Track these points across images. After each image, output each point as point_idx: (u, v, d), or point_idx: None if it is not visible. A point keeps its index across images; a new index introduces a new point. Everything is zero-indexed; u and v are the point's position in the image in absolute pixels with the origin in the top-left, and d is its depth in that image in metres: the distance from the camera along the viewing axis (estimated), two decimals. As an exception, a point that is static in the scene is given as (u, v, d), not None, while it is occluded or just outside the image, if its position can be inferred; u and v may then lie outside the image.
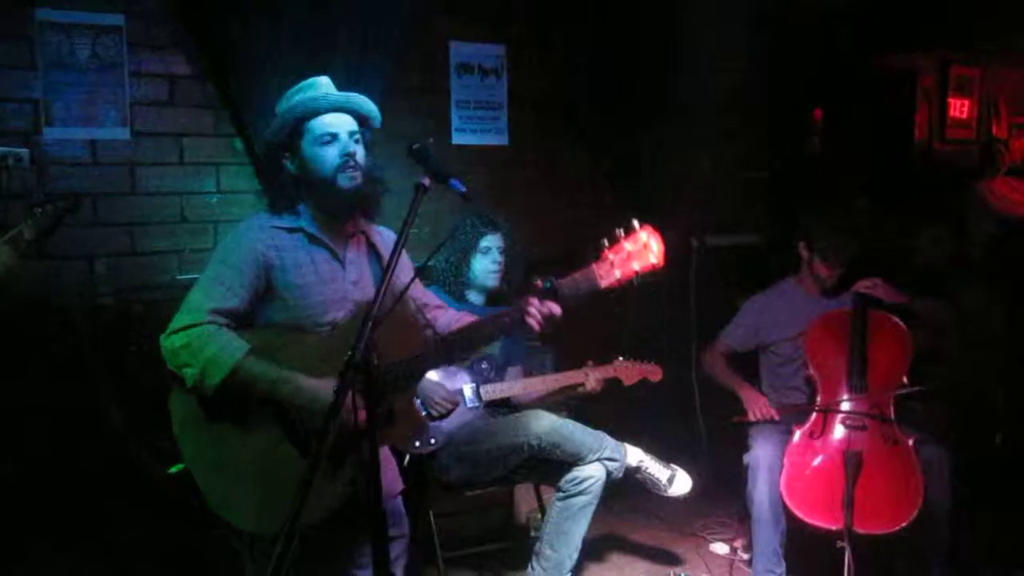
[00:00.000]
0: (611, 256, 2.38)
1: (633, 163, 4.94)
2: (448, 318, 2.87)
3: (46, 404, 3.47)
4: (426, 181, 2.17)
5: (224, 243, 2.55)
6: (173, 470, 2.46)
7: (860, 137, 5.72)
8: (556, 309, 2.41)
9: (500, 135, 4.70)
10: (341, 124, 2.49)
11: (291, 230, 2.52)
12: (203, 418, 2.44)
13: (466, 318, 2.81)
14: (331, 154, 2.46)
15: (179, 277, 3.86)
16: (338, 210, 2.53)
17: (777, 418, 3.69)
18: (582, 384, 3.65)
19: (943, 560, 3.53)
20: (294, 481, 1.84)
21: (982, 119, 7.22)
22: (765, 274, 4.21)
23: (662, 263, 2.37)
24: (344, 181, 2.45)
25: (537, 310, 2.41)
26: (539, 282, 2.42)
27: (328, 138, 2.47)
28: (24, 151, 3.49)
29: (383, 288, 1.95)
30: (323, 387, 2.36)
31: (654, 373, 3.74)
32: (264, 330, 2.48)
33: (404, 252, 2.53)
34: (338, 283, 2.56)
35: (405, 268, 2.74)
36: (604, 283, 2.39)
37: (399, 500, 2.82)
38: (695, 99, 4.87)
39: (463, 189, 2.18)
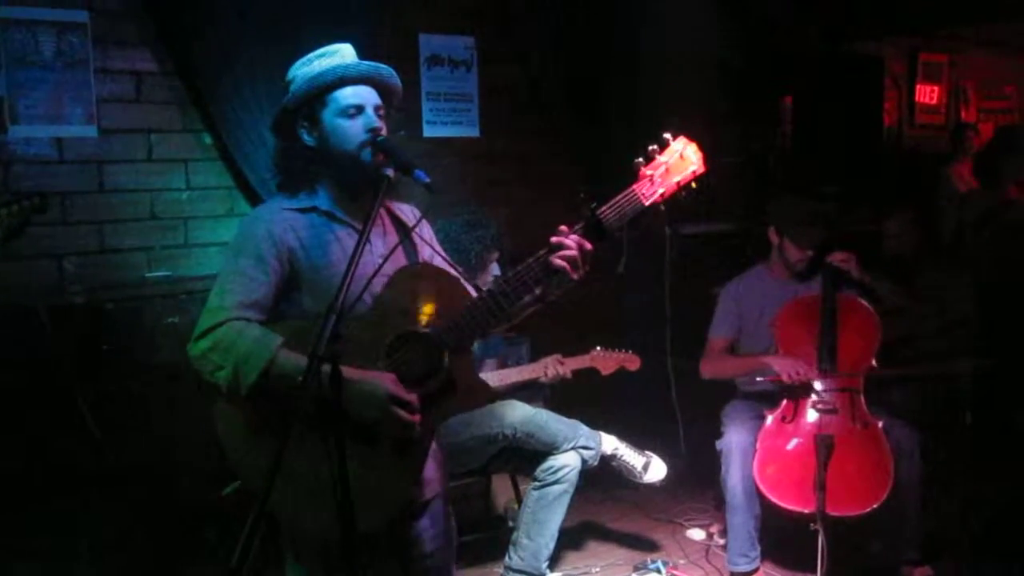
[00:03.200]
0: (649, 172, 2.24)
1: (605, 153, 4.95)
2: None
3: (17, 407, 3.44)
4: (390, 172, 2.14)
5: (236, 235, 2.31)
6: (228, 491, 2.26)
7: (830, 124, 5.75)
8: (586, 244, 2.19)
9: (471, 127, 4.70)
10: (367, 97, 2.31)
11: (305, 210, 2.31)
12: (252, 429, 2.21)
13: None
14: (356, 127, 2.27)
15: (149, 275, 3.84)
16: (360, 186, 2.31)
17: (815, 378, 3.52)
18: (541, 376, 3.64)
19: (916, 540, 3.58)
20: (362, 484, 1.78)
21: (951, 105, 7.30)
22: (740, 261, 4.24)
23: (703, 169, 2.27)
24: (367, 156, 2.25)
25: (569, 251, 2.17)
26: (564, 228, 2.21)
27: (353, 110, 2.27)
28: (-11, 149, 3.46)
29: (347, 278, 1.88)
30: (368, 378, 2.15)
31: (632, 362, 3.75)
32: (294, 320, 2.23)
33: (428, 228, 2.46)
34: (366, 257, 2.23)
35: (425, 247, 2.48)
36: (648, 201, 2.23)
37: (440, 502, 2.48)
38: (666, 89, 4.88)
39: (427, 180, 2.15)
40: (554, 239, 2.21)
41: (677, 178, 2.24)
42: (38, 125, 3.56)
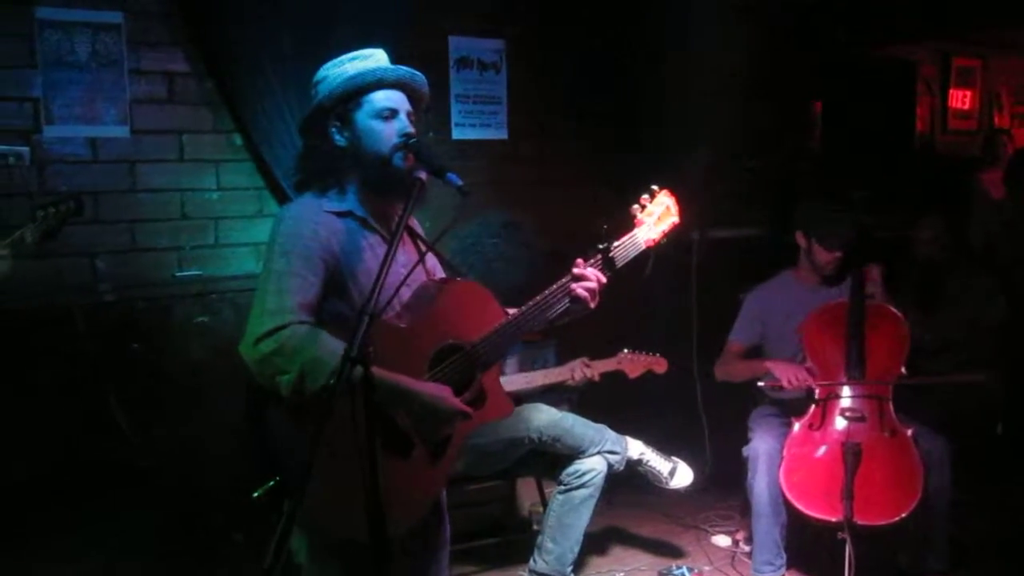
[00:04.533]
0: (646, 219, 2.54)
1: (632, 157, 4.94)
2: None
3: (54, 403, 3.49)
4: (423, 175, 2.16)
5: (280, 232, 2.26)
6: (259, 492, 2.25)
7: (861, 129, 5.70)
8: (600, 277, 2.43)
9: (499, 129, 4.71)
10: (401, 102, 2.33)
11: (341, 214, 2.32)
12: (301, 431, 2.16)
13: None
14: (389, 131, 2.28)
15: (179, 274, 3.88)
16: (390, 191, 2.32)
17: (814, 386, 3.54)
18: (568, 379, 3.66)
19: (944, 550, 3.54)
20: (395, 486, 1.80)
21: (984, 110, 7.21)
22: (767, 266, 4.21)
23: (680, 221, 2.61)
24: (399, 160, 2.27)
25: (588, 284, 2.40)
26: (580, 260, 2.44)
27: (388, 113, 2.29)
28: (24, 150, 3.51)
29: (380, 280, 1.90)
30: (429, 390, 2.23)
31: (659, 365, 3.74)
32: (339, 325, 2.21)
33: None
34: (392, 267, 2.18)
35: (433, 260, 2.57)
36: (645, 245, 2.54)
37: (443, 496, 2.54)
38: (694, 93, 4.86)
39: (460, 183, 2.16)
40: (576, 270, 2.41)
41: (663, 227, 2.57)
42: (73, 125, 3.61)
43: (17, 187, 3.47)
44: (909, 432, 3.41)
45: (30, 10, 3.50)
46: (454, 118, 4.55)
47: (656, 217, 2.56)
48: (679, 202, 2.63)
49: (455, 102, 4.54)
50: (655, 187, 2.59)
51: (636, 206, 2.54)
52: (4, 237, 2.82)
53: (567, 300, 2.41)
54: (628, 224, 2.55)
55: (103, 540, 3.47)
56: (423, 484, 2.29)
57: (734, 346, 3.97)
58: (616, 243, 2.49)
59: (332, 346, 2.11)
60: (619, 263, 2.48)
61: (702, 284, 4.88)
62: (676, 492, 3.72)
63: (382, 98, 2.29)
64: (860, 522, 3.23)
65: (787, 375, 3.57)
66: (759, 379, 3.71)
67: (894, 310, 3.58)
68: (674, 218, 2.60)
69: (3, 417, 3.40)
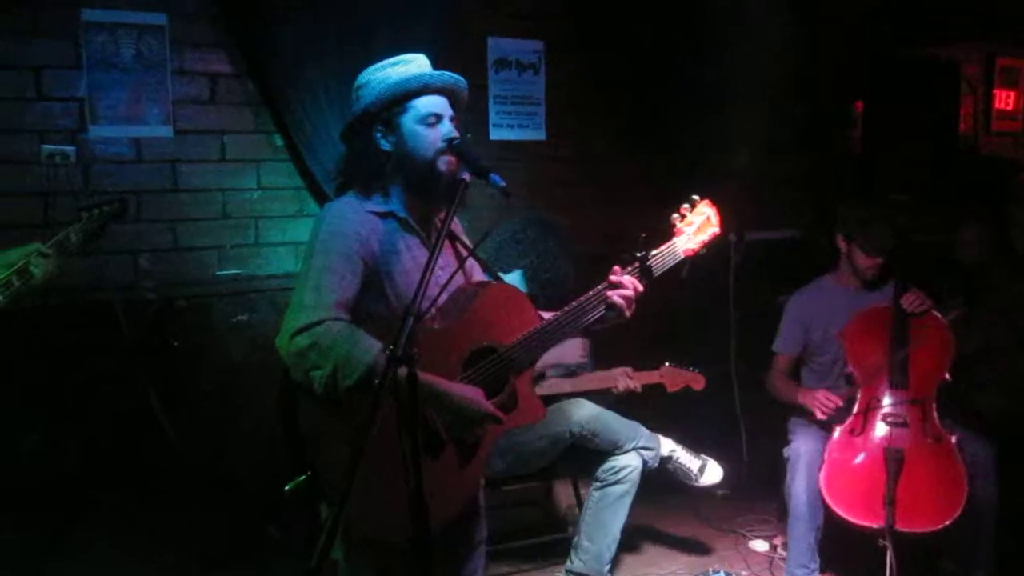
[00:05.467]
0: (686, 229, 2.56)
1: (671, 158, 4.91)
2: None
3: (96, 399, 3.54)
4: (466, 176, 2.17)
5: (322, 230, 2.29)
6: (290, 487, 2.28)
7: (902, 130, 5.62)
8: (637, 285, 2.43)
9: (537, 130, 4.70)
10: (444, 107, 2.35)
11: (383, 215, 2.34)
12: (339, 428, 2.21)
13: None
14: (433, 136, 2.31)
15: (220, 273, 3.91)
16: (433, 194, 2.35)
17: (841, 404, 3.54)
18: (612, 387, 3.65)
19: (989, 560, 3.48)
20: (427, 486, 1.83)
21: (1030, 111, 7.08)
22: (805, 269, 4.16)
23: (720, 231, 2.61)
24: (443, 165, 2.31)
25: (624, 292, 2.40)
26: (618, 268, 2.45)
27: (433, 119, 2.32)
28: (71, 149, 3.56)
29: (425, 281, 1.91)
30: (461, 392, 2.25)
31: (697, 382, 3.72)
32: (373, 323, 2.25)
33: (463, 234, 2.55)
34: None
35: (475, 264, 2.59)
36: (684, 254, 2.56)
37: (481, 496, 2.57)
38: (735, 94, 4.82)
39: (503, 184, 2.16)
40: (613, 278, 2.43)
41: (703, 237, 2.58)
42: (117, 126, 3.66)
43: (63, 186, 3.52)
44: (953, 438, 3.36)
45: (76, 12, 3.55)
46: (492, 119, 4.55)
47: (696, 227, 2.57)
48: (720, 212, 2.63)
49: (493, 103, 4.55)
50: (696, 197, 2.60)
51: (676, 215, 2.56)
52: (50, 236, 2.86)
53: (603, 307, 2.42)
54: (667, 233, 2.56)
55: (140, 533, 3.52)
56: (455, 483, 2.32)
57: (780, 360, 3.93)
58: (654, 252, 2.51)
59: (366, 344, 2.13)
60: (656, 272, 2.49)
61: (740, 286, 4.84)
62: (713, 495, 3.70)
63: (427, 104, 2.32)
64: (902, 529, 3.19)
65: (817, 407, 3.57)
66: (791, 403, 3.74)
67: (938, 315, 3.52)
68: (715, 228, 2.60)
69: (47, 412, 3.46)
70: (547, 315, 2.44)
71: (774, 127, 5.27)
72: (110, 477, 3.51)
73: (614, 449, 3.43)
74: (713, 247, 2.62)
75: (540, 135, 4.72)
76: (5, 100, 3.48)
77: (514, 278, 3.45)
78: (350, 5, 3.78)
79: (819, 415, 3.56)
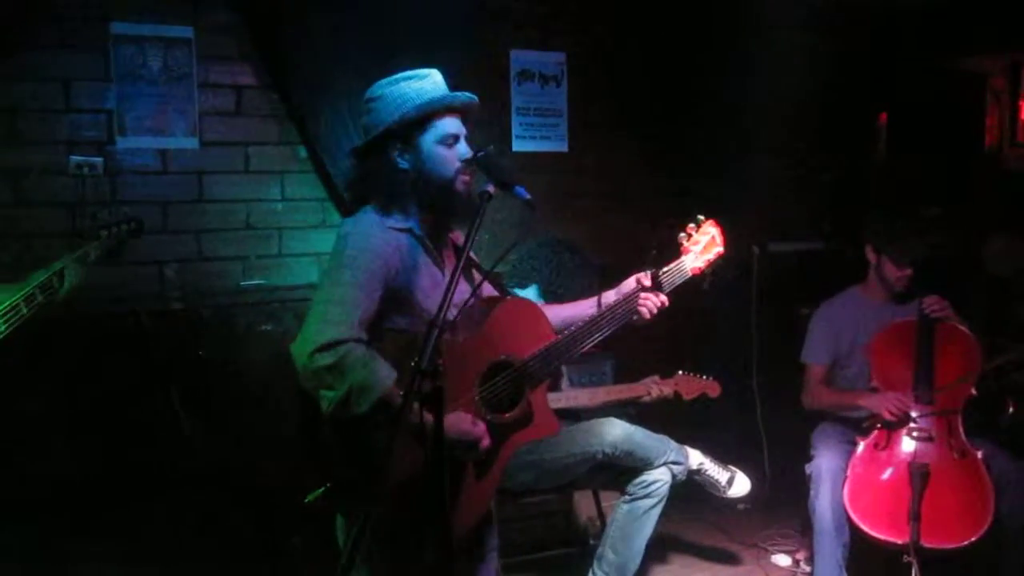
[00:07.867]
0: (693, 248, 2.67)
1: (694, 169, 4.90)
2: (552, 312, 2.77)
3: (122, 407, 3.57)
4: (491, 188, 2.18)
5: (349, 245, 2.31)
6: (311, 498, 2.31)
7: (928, 141, 5.58)
8: (664, 300, 2.56)
9: (560, 142, 4.71)
10: (460, 127, 2.40)
11: (403, 231, 2.37)
12: (354, 441, 2.25)
13: (565, 310, 2.74)
14: (452, 156, 2.36)
15: (244, 283, 3.94)
16: (451, 213, 2.40)
17: (915, 413, 3.42)
18: (645, 395, 3.66)
19: (1019, 577, 3.43)
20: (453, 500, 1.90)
21: (1056, 122, 7.00)
22: (829, 281, 4.14)
23: (725, 251, 2.73)
24: (461, 185, 2.36)
25: (653, 302, 2.54)
26: (644, 275, 2.59)
27: (452, 140, 2.37)
28: (99, 160, 3.61)
29: (449, 294, 1.93)
30: (447, 425, 2.14)
31: (712, 389, 3.71)
32: (395, 336, 2.29)
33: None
34: (440, 288, 2.35)
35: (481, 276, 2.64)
36: (691, 272, 2.68)
37: (492, 504, 2.63)
38: (757, 105, 4.82)
39: (528, 196, 2.18)
40: (644, 282, 2.59)
41: (708, 256, 2.69)
42: (144, 137, 3.71)
43: (90, 197, 3.57)
44: (979, 454, 3.32)
45: (105, 25, 3.60)
46: (514, 130, 4.57)
47: (702, 246, 2.67)
48: (724, 232, 2.74)
49: (515, 114, 4.56)
50: (701, 216, 2.72)
51: (683, 234, 2.67)
52: (75, 248, 2.90)
53: (632, 315, 2.55)
54: (676, 250, 2.69)
55: (163, 541, 3.54)
56: (471, 496, 2.38)
57: (815, 371, 3.83)
58: (664, 269, 2.61)
59: (383, 373, 2.16)
60: (666, 288, 2.60)
61: (762, 298, 4.82)
62: (735, 508, 3.68)
63: (447, 124, 2.37)
64: (927, 545, 3.15)
65: (888, 407, 3.41)
66: (851, 410, 3.63)
67: (965, 329, 3.49)
68: (719, 248, 2.70)
69: (74, 419, 3.49)
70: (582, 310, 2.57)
71: (798, 139, 5.26)
72: (133, 486, 3.54)
73: (647, 466, 3.41)
74: (720, 266, 2.73)
75: (562, 147, 4.72)
76: (35, 111, 3.54)
77: (530, 293, 3.47)
78: (374, 20, 3.81)
79: (887, 416, 3.42)
